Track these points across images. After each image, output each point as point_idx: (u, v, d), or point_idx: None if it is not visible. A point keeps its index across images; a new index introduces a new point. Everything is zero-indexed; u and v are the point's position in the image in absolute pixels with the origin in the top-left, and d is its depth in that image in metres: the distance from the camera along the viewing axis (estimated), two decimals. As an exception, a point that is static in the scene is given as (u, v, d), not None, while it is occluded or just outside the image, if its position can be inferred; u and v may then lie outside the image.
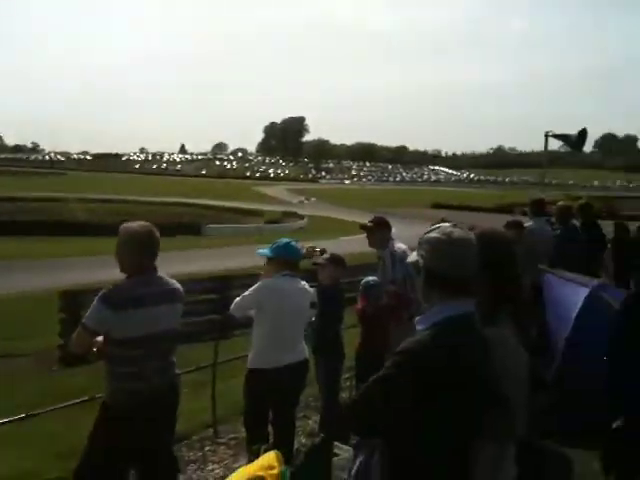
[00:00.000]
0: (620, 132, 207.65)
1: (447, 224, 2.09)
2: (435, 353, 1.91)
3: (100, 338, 3.31)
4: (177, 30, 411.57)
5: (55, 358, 8.88)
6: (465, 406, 1.91)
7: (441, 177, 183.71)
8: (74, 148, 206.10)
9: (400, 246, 5.26)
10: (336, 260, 5.23)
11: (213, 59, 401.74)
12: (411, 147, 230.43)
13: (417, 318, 2.06)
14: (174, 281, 3.52)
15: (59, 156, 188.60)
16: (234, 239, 35.36)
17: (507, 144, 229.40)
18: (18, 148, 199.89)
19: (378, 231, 5.33)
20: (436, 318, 1.99)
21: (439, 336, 1.94)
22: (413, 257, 2.14)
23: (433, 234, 2.03)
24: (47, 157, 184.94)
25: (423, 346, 1.93)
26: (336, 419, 2.32)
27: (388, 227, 5.42)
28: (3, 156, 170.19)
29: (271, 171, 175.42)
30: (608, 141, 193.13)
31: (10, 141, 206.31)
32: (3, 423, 4.18)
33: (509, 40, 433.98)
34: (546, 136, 9.46)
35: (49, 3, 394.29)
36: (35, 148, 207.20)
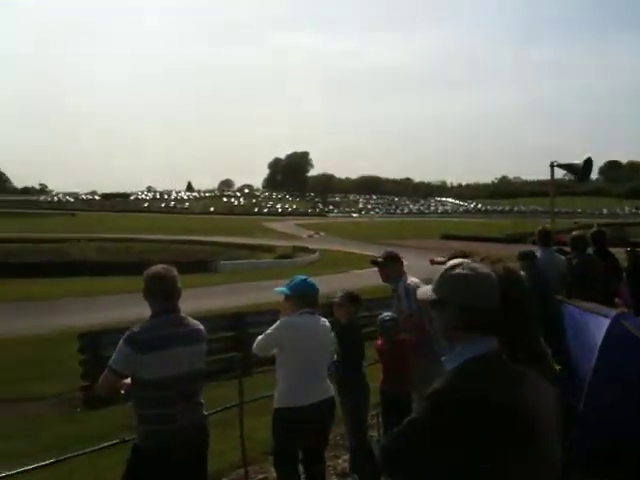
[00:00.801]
0: (623, 159, 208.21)
1: (468, 260, 2.10)
2: (468, 394, 1.90)
3: (128, 380, 3.35)
4: (176, 69, 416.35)
5: (79, 400, 8.91)
6: (502, 446, 1.91)
7: (448, 208, 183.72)
8: (82, 188, 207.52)
9: (413, 279, 5.28)
10: (352, 298, 5.26)
11: (214, 96, 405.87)
12: (416, 179, 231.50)
13: (444, 357, 2.05)
14: (197, 322, 3.58)
15: (67, 197, 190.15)
16: (248, 275, 35.41)
17: (511, 174, 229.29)
18: (26, 190, 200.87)
19: (390, 266, 5.32)
20: (464, 356, 1.99)
21: (470, 376, 1.94)
22: (424, 294, 2.15)
23: (459, 271, 2.03)
24: (55, 198, 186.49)
25: (454, 387, 1.93)
26: (380, 463, 2.28)
27: (399, 261, 5.41)
28: (12, 198, 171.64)
29: (278, 206, 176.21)
30: (612, 168, 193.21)
31: (18, 183, 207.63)
32: (34, 468, 4.19)
33: (506, 70, 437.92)
34: (552, 166, 9.53)
35: (55, 43, 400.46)
36: (43, 189, 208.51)
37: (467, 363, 1.97)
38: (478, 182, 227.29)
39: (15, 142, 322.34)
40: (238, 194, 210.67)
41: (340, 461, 5.54)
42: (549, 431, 2.09)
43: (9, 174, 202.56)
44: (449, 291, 2.03)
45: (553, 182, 10.33)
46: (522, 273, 2.77)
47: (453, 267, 2.06)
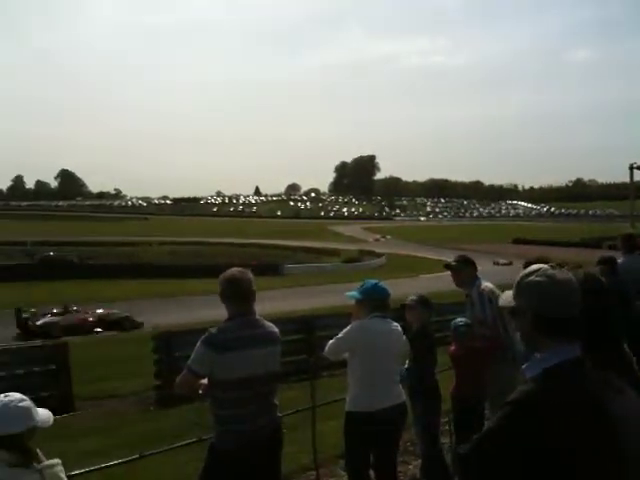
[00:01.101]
0: None
1: (546, 266, 2.03)
2: (547, 402, 1.85)
3: (205, 380, 3.40)
4: (239, 76, 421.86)
5: (152, 399, 9.19)
6: (584, 456, 1.83)
7: (520, 211, 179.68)
8: (154, 193, 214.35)
9: (487, 284, 5.16)
10: (424, 302, 5.19)
11: (280, 100, 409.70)
12: (486, 182, 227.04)
13: (524, 365, 1.99)
14: (271, 324, 3.60)
15: (140, 201, 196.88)
16: (314, 278, 35.67)
17: (585, 176, 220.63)
18: (101, 195, 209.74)
19: (463, 270, 5.19)
20: (545, 364, 1.92)
21: (550, 384, 1.88)
22: (506, 301, 2.11)
23: (534, 278, 1.97)
24: (129, 202, 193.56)
25: (533, 396, 1.87)
26: (455, 471, 2.26)
27: (474, 265, 5.28)
28: (89, 202, 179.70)
29: (344, 210, 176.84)
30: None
31: (94, 188, 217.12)
32: (116, 464, 4.33)
33: (579, 70, 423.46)
34: (631, 168, 9.17)
35: (127, 53, 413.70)
36: (118, 194, 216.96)
37: (547, 371, 1.91)
38: (551, 185, 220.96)
39: (91, 148, 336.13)
40: (305, 198, 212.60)
41: (411, 467, 5.48)
42: (636, 441, 2.01)
43: (86, 179, 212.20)
44: (524, 299, 1.99)
45: (632, 184, 9.89)
46: (602, 279, 2.69)
47: (529, 274, 2.00)
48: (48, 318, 21.62)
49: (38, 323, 21.11)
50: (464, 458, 2.10)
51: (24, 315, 21.54)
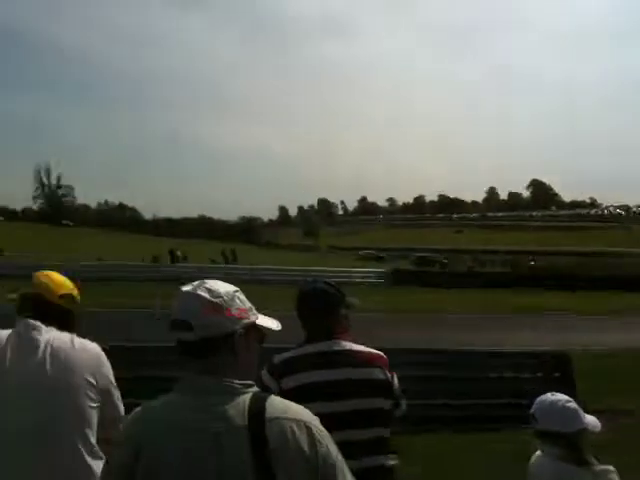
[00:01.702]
0: None
1: None
2: None
3: None
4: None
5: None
6: None
7: None
8: (632, 200, 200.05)
9: None
10: None
11: None
12: None
13: None
14: None
15: (618, 210, 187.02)
16: None
17: None
18: (575, 203, 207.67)
19: None
20: None
21: None
22: None
23: None
24: (605, 211, 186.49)
25: None
26: None
27: None
28: (563, 212, 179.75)
29: None
30: None
31: (566, 197, 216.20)
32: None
33: None
34: None
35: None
36: (593, 203, 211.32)
37: None
38: None
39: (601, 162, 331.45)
40: None
41: None
42: None
43: (557, 189, 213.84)
44: None
45: None
46: None
47: None
48: None
49: None
50: None
51: None
